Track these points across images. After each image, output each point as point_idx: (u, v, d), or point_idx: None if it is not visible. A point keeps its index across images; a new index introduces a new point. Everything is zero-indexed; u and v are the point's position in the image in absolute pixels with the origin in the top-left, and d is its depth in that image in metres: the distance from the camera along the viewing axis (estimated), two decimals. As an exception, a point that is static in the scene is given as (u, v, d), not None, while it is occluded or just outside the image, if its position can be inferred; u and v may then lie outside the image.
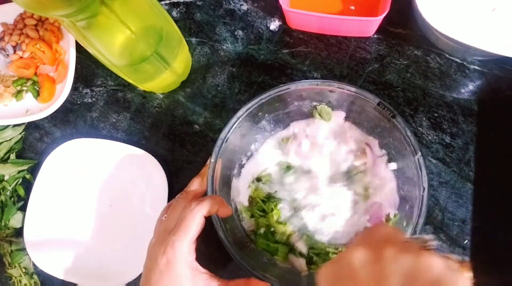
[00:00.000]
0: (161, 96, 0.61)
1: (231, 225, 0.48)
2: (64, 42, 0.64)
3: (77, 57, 0.62)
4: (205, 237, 0.41)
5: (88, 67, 0.63)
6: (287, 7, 0.54)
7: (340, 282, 0.29)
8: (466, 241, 0.51)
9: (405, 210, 0.48)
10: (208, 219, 0.43)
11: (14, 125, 0.63)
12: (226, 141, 0.48)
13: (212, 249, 0.55)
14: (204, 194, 0.47)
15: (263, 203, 0.51)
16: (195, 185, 0.48)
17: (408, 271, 0.27)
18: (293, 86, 0.48)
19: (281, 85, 0.48)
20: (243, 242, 0.49)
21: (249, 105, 0.48)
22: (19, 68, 0.63)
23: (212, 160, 0.47)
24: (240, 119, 0.48)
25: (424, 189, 0.44)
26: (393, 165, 0.50)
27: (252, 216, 0.52)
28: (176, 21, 0.56)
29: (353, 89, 0.47)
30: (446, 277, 0.26)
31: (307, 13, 0.53)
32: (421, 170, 0.45)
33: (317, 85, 0.48)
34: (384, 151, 0.51)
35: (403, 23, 0.57)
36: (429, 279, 0.26)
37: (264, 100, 0.49)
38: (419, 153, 0.45)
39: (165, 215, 0.44)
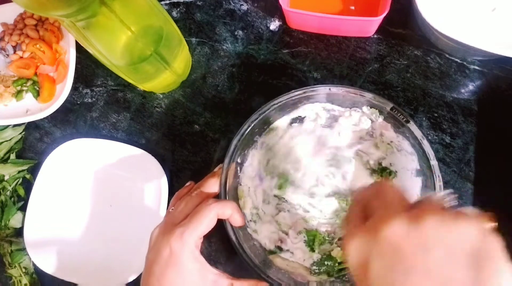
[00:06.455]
0: (161, 96, 0.61)
1: (243, 232, 0.48)
2: (64, 42, 0.64)
3: (77, 57, 0.62)
4: (205, 236, 0.41)
5: (88, 67, 0.63)
6: (287, 7, 0.54)
7: (382, 257, 0.28)
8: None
9: None
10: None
11: (14, 125, 0.63)
12: (239, 147, 0.48)
13: (211, 249, 0.55)
14: (217, 197, 0.46)
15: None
16: (211, 186, 0.46)
17: (449, 242, 0.27)
18: (307, 91, 0.48)
19: (293, 90, 0.48)
20: (258, 252, 0.49)
21: (262, 110, 0.48)
22: (19, 68, 0.63)
23: (225, 165, 0.46)
24: (254, 123, 0.48)
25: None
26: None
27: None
28: (176, 21, 0.56)
29: (366, 94, 0.47)
30: (482, 245, 0.26)
31: (307, 13, 0.53)
32: (436, 175, 0.43)
33: (329, 89, 0.48)
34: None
35: (403, 23, 0.57)
36: (467, 249, 0.26)
37: (276, 106, 0.48)
38: (434, 158, 0.44)
39: (173, 208, 0.43)
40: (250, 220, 0.50)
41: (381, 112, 0.48)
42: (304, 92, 0.48)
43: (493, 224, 0.28)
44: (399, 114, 0.46)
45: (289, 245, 0.49)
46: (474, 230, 0.27)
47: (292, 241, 0.49)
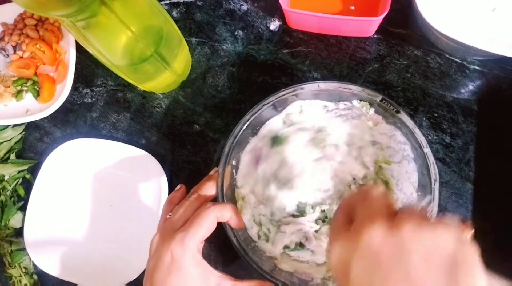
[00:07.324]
0: (161, 96, 0.61)
1: (244, 235, 0.48)
2: (64, 42, 0.64)
3: (77, 57, 0.62)
4: (205, 240, 0.41)
5: (88, 67, 0.63)
6: (287, 7, 0.54)
7: (362, 262, 0.29)
8: (466, 241, 0.51)
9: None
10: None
11: (14, 125, 0.63)
12: (234, 149, 0.47)
13: (211, 249, 0.55)
14: (214, 200, 0.46)
15: None
16: (208, 189, 0.46)
17: (426, 248, 0.27)
18: (296, 89, 0.48)
19: (283, 89, 0.48)
20: (259, 253, 0.49)
21: (253, 111, 0.48)
22: (19, 68, 0.63)
23: (220, 169, 0.46)
24: (246, 125, 0.48)
25: (435, 181, 0.43)
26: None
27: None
28: (176, 21, 0.56)
29: (355, 87, 0.47)
30: (458, 252, 0.27)
31: (307, 13, 0.53)
32: (430, 162, 0.44)
33: (318, 86, 0.48)
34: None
35: (403, 23, 0.57)
36: (444, 256, 0.27)
37: (266, 105, 0.48)
38: (427, 146, 0.44)
39: (170, 213, 0.43)
40: (258, 236, 0.49)
41: (371, 104, 0.49)
42: (294, 90, 0.48)
43: (471, 233, 0.29)
44: (389, 105, 0.46)
45: (313, 244, 0.48)
46: (452, 238, 0.28)
47: (318, 241, 0.49)
